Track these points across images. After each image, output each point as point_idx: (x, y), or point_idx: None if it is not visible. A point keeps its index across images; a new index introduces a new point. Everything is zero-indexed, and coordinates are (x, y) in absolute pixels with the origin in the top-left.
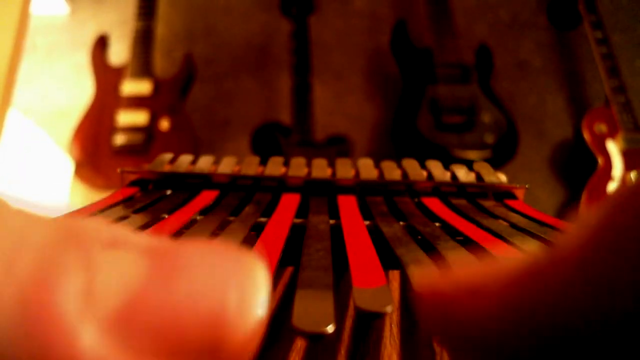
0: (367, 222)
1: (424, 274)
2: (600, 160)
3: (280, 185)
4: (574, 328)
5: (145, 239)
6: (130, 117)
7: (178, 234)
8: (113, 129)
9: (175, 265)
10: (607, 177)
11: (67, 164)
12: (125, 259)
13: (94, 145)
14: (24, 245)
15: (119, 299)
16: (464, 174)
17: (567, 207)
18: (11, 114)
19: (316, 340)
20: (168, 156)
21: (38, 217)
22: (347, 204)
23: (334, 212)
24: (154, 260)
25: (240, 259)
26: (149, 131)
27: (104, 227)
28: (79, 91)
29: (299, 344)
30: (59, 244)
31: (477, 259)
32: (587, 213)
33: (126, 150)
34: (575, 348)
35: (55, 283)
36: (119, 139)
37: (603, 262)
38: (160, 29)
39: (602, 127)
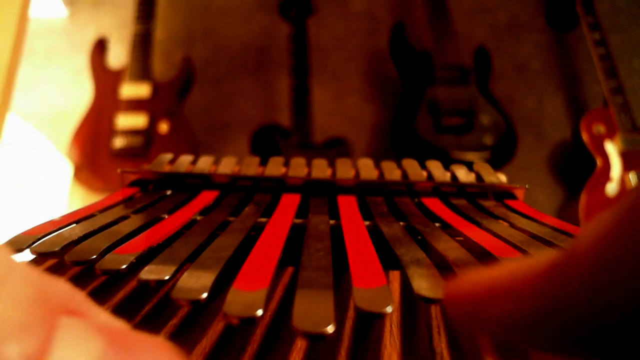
0: (367, 222)
1: (453, 281)
2: (598, 161)
3: (281, 185)
4: (603, 318)
5: (104, 315)
6: (129, 120)
7: (178, 234)
8: (112, 132)
9: (128, 353)
10: (606, 177)
11: (66, 167)
12: (83, 336)
13: (93, 148)
14: None
15: None
16: (464, 175)
17: (565, 208)
18: (10, 117)
19: (316, 340)
20: (168, 156)
21: (16, 265)
22: (347, 204)
23: (334, 212)
24: (110, 343)
25: None
26: (148, 134)
27: (71, 293)
28: (78, 94)
29: (299, 344)
30: (28, 303)
31: (496, 264)
32: (603, 213)
33: (125, 153)
34: (608, 336)
35: (10, 338)
36: (118, 142)
37: (620, 257)
38: (159, 32)
39: (600, 128)
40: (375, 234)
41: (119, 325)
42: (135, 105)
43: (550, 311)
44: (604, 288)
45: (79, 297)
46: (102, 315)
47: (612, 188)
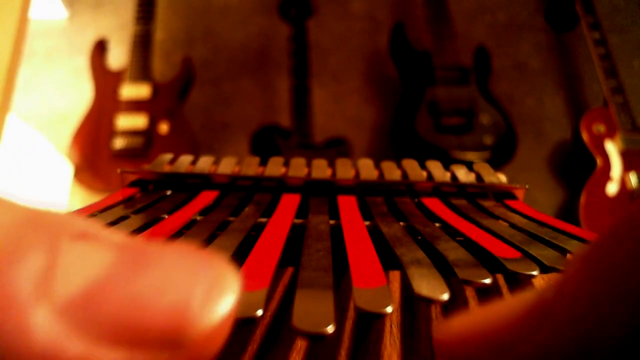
0: (367, 223)
1: (443, 331)
2: (598, 161)
3: (280, 185)
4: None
5: (116, 235)
6: (129, 121)
7: (178, 234)
8: (112, 132)
9: (143, 259)
10: (606, 177)
11: (66, 168)
12: (92, 250)
13: (93, 149)
14: None
15: (79, 285)
16: (464, 175)
17: (566, 208)
18: (10, 118)
19: (316, 340)
20: (168, 156)
21: (11, 202)
22: (347, 204)
23: (334, 213)
24: (122, 253)
25: (211, 261)
26: (148, 135)
27: (76, 220)
28: (78, 95)
29: (300, 344)
30: (26, 227)
31: (478, 311)
32: (582, 248)
33: (125, 154)
34: None
35: (14, 260)
36: (118, 143)
37: (600, 292)
38: (159, 33)
39: (600, 128)
40: (375, 234)
41: (133, 240)
42: (135, 105)
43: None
44: (591, 323)
45: (86, 223)
46: (115, 236)
47: (612, 188)
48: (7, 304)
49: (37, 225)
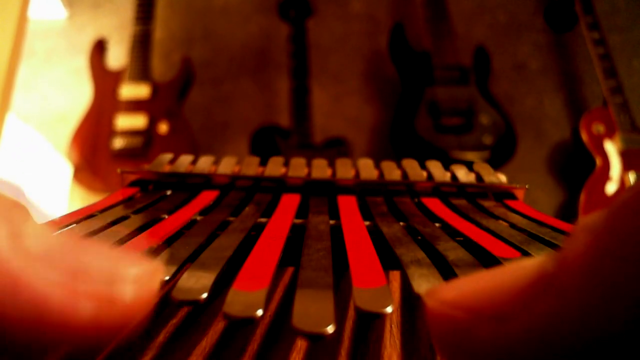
0: (367, 223)
1: (435, 297)
2: (598, 161)
3: (280, 185)
4: (598, 338)
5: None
6: (128, 121)
7: (178, 234)
8: (111, 132)
9: (84, 244)
10: (605, 177)
11: (65, 168)
12: (46, 229)
13: (92, 149)
14: None
15: (44, 244)
16: (464, 175)
17: (565, 208)
18: (10, 118)
19: (316, 340)
20: (168, 156)
21: None
22: (347, 204)
23: (334, 213)
24: (68, 237)
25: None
26: (147, 135)
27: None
28: (78, 95)
29: (299, 344)
30: None
31: (482, 272)
32: (590, 216)
33: (125, 154)
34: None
35: None
36: (118, 143)
37: (611, 264)
38: (159, 33)
39: (599, 128)
40: (375, 234)
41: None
42: (134, 105)
43: (538, 333)
44: (600, 298)
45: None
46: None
47: (611, 187)
48: None
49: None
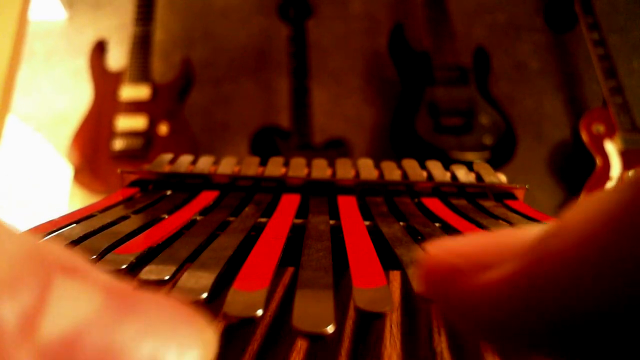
0: (367, 223)
1: (436, 245)
2: (598, 161)
3: (280, 185)
4: (585, 312)
5: (103, 275)
6: (128, 122)
7: (178, 234)
8: (112, 134)
9: (127, 306)
10: (606, 177)
11: (66, 169)
12: (81, 290)
13: (92, 150)
14: None
15: (64, 327)
16: (464, 175)
17: (565, 208)
18: (10, 119)
19: (316, 340)
20: (168, 157)
21: (7, 230)
22: (347, 205)
23: (334, 213)
24: (108, 296)
25: (191, 317)
26: (147, 136)
27: (67, 253)
28: (78, 96)
29: (300, 344)
30: (20, 259)
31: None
32: (595, 194)
33: (125, 155)
34: (586, 332)
35: (4, 294)
36: (118, 144)
37: (619, 245)
38: (159, 34)
39: (599, 128)
40: (375, 234)
41: (121, 284)
42: (134, 107)
43: (526, 293)
44: (591, 276)
45: (76, 258)
46: (103, 276)
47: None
48: None
49: (33, 260)
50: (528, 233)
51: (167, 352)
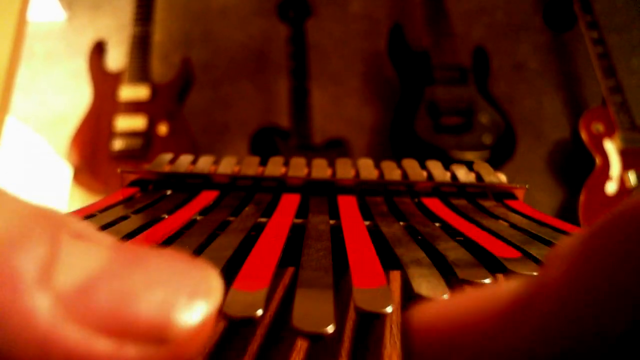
0: (367, 223)
1: (424, 308)
2: (597, 160)
3: (280, 185)
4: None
5: (110, 238)
6: (128, 122)
7: (178, 234)
8: (111, 134)
9: (135, 260)
10: (605, 176)
11: (65, 170)
12: (89, 248)
13: (92, 150)
14: None
15: (78, 277)
16: (464, 174)
17: (565, 207)
18: (9, 120)
19: (316, 340)
20: (168, 156)
21: (15, 196)
22: (347, 204)
23: (334, 213)
24: (116, 253)
25: (197, 265)
26: (147, 136)
27: (75, 220)
28: (77, 97)
29: (300, 344)
30: (30, 219)
31: (464, 292)
32: (566, 241)
33: (124, 156)
34: None
35: (19, 247)
36: (117, 144)
37: (586, 289)
38: (158, 34)
39: (599, 127)
40: (376, 234)
41: (126, 243)
42: (134, 107)
43: (511, 348)
44: (573, 322)
45: (81, 222)
46: (108, 237)
47: (611, 186)
48: (11, 286)
49: (40, 218)
50: (500, 294)
51: (178, 298)
